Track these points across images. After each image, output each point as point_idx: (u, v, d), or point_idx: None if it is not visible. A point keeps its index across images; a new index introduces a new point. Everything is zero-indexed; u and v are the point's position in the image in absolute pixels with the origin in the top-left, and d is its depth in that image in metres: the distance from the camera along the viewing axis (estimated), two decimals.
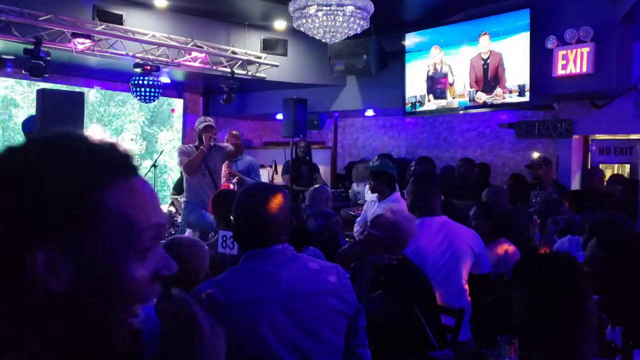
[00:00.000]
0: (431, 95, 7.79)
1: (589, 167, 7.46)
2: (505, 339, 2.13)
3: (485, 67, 7.22)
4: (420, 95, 7.88)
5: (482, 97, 7.28)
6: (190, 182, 5.65)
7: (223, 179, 6.19)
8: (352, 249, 3.22)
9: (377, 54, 8.11)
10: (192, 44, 7.60)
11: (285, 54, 8.62)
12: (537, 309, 1.57)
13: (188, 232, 5.68)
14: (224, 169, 6.21)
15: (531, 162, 6.79)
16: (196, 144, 5.70)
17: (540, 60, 6.61)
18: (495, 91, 7.13)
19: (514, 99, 6.93)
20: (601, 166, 7.33)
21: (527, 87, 6.75)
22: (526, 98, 6.80)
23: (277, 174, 8.29)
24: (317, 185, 5.22)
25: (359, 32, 5.99)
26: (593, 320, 1.60)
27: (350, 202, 7.81)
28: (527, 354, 1.60)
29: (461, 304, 3.17)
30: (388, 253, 2.84)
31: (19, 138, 7.41)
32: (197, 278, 2.17)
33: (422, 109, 7.90)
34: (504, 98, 7.05)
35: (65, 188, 0.74)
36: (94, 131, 8.43)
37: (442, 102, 7.70)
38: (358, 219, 5.28)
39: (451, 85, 7.62)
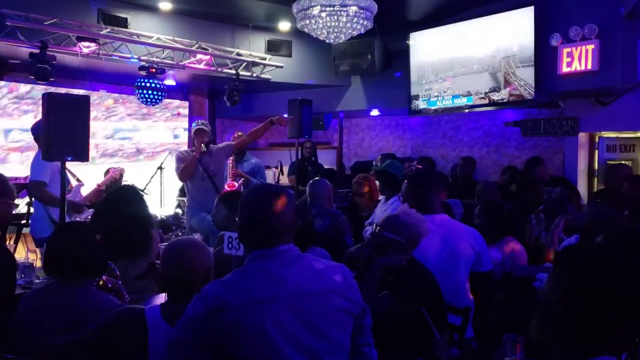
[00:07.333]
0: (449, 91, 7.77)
1: (596, 165, 7.40)
2: (511, 337, 2.13)
3: (489, 64, 7.21)
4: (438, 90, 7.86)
5: (488, 94, 7.26)
6: (190, 187, 5.65)
7: (229, 178, 6.21)
8: (361, 251, 3.17)
9: (381, 54, 8.11)
10: (196, 46, 7.63)
11: (289, 55, 8.64)
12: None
13: (197, 236, 5.68)
14: (230, 169, 6.21)
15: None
16: (193, 148, 5.69)
17: (545, 57, 6.59)
18: (500, 89, 7.11)
19: (519, 94, 6.90)
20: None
21: (532, 84, 6.73)
22: (531, 95, 6.78)
23: (283, 174, 8.30)
24: (316, 179, 5.03)
25: (363, 32, 6.00)
26: None
27: None
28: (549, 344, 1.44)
29: (463, 302, 3.16)
30: (399, 255, 2.83)
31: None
32: (201, 279, 2.18)
33: (438, 104, 7.85)
34: (509, 96, 7.03)
35: None
36: None
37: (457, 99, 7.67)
38: (367, 221, 5.25)
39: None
